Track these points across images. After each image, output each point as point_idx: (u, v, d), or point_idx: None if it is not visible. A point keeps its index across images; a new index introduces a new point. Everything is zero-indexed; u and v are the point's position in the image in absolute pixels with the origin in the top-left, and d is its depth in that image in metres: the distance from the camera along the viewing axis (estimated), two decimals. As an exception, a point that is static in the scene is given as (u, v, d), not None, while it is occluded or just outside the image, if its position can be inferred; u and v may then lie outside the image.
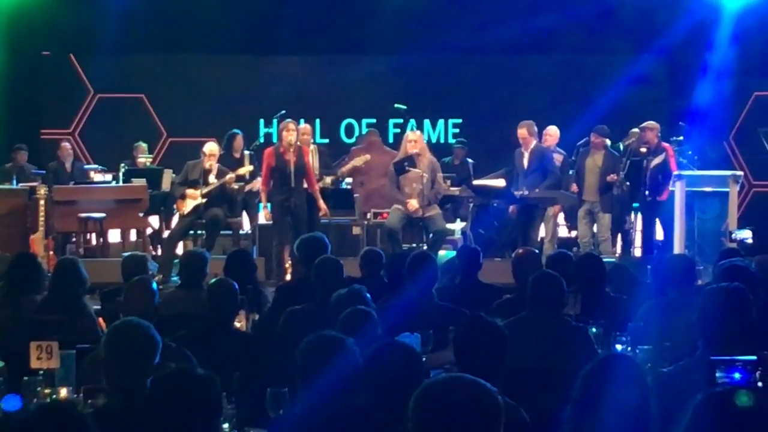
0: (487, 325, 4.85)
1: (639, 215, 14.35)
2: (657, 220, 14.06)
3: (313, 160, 13.89)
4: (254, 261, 9.04)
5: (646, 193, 13.66)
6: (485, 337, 4.74)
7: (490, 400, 3.19)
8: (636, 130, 15.04)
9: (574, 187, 14.22)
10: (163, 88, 18.42)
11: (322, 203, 13.07)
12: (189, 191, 13.40)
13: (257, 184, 13.83)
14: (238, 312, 6.77)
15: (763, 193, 17.74)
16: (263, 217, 13.89)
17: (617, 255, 13.98)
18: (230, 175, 13.47)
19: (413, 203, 12.98)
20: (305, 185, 12.97)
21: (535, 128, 13.76)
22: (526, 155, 13.65)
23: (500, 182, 14.03)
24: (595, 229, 14.24)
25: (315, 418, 4.21)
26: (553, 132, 14.37)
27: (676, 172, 13.43)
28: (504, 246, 13.55)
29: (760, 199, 17.63)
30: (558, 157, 14.26)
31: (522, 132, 13.67)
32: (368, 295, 6.28)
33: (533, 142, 13.67)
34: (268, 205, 13.19)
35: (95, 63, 18.21)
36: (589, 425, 3.82)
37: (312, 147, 14.04)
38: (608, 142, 14.16)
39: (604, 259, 8.92)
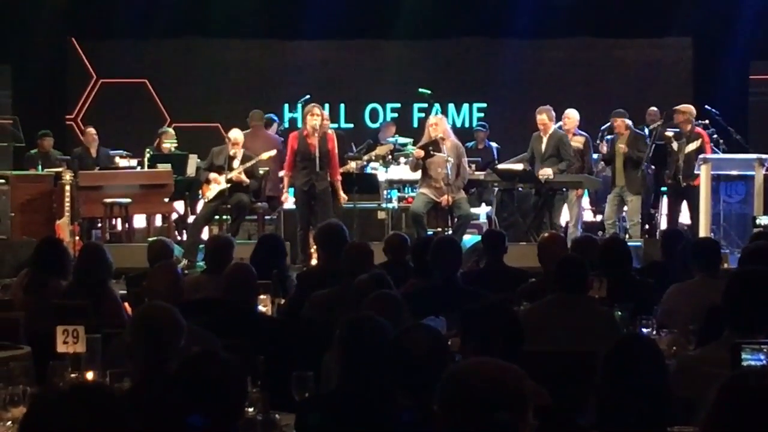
0: (500, 313, 4.81)
1: (665, 199, 14.34)
2: (683, 204, 14.05)
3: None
4: (285, 247, 8.99)
5: (676, 176, 13.66)
6: (498, 325, 4.70)
7: (516, 383, 3.18)
8: (654, 108, 15.03)
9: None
10: (165, 73, 18.40)
11: (342, 193, 13.03)
12: (213, 176, 13.43)
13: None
14: (256, 295, 6.73)
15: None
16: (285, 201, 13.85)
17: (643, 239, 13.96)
18: (255, 159, 13.50)
19: (446, 199, 12.92)
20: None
21: (553, 113, 13.73)
22: (545, 140, 13.62)
23: (521, 167, 14.00)
24: (624, 212, 14.22)
25: (350, 398, 4.23)
26: (572, 115, 14.28)
27: (702, 156, 13.38)
28: (529, 230, 13.51)
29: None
30: (580, 140, 14.19)
31: (542, 118, 13.63)
32: (389, 279, 6.29)
33: (552, 128, 13.65)
34: (290, 189, 13.17)
35: (98, 48, 18.25)
36: (611, 406, 3.82)
37: (329, 132, 13.96)
38: (629, 122, 14.14)
39: (630, 243, 8.89)
